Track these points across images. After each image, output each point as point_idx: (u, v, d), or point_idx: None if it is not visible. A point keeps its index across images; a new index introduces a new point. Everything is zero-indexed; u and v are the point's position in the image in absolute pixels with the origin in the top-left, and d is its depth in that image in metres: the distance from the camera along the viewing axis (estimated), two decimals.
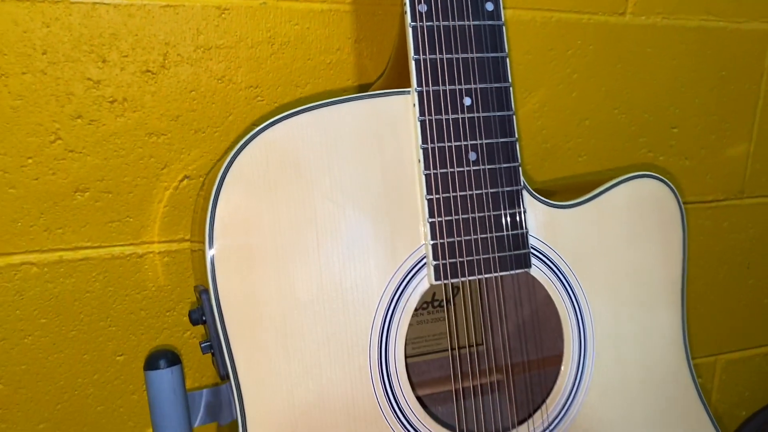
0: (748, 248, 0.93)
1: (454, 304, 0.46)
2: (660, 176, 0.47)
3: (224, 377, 0.40)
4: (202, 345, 0.43)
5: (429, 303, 0.50)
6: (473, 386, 0.43)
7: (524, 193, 0.42)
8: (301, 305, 0.38)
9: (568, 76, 0.76)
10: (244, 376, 0.37)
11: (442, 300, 0.47)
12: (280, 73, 0.64)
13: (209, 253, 0.37)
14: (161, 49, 0.60)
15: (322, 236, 0.39)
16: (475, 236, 0.41)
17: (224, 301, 0.37)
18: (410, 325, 0.41)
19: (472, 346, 0.44)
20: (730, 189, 0.89)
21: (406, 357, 0.40)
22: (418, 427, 0.40)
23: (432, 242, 0.40)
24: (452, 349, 0.43)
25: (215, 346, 0.40)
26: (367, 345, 0.39)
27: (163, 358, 0.50)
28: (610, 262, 0.45)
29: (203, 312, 0.41)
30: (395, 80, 0.42)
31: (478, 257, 0.41)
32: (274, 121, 0.38)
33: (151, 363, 0.50)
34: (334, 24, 0.65)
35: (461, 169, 0.40)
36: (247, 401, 0.38)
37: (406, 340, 0.40)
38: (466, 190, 0.40)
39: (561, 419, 0.43)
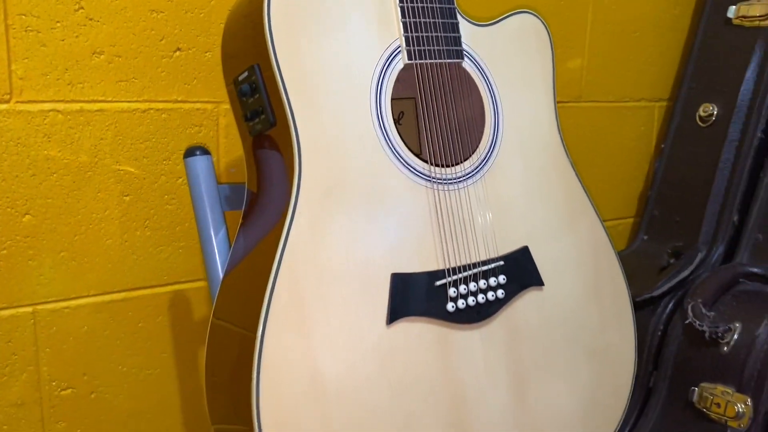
0: (588, 143, 1.23)
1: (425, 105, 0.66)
2: (537, 14, 0.72)
3: (273, 124, 0.59)
4: (249, 114, 0.61)
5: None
6: (435, 135, 0.64)
7: (456, 11, 0.65)
8: (326, 68, 0.58)
9: None
10: (298, 114, 0.56)
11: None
12: None
13: (268, 27, 0.55)
14: None
15: (335, 29, 0.59)
16: (430, 34, 0.62)
17: (282, 63, 0.56)
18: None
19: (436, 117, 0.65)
20: (571, 94, 1.19)
21: (391, 102, 0.60)
22: (398, 149, 0.61)
23: (404, 35, 0.61)
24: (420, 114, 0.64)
25: (266, 105, 0.58)
26: (367, 94, 0.59)
27: (198, 149, 0.67)
28: (508, 64, 0.69)
29: (253, 84, 0.59)
30: None
31: (431, 48, 0.62)
32: None
33: (189, 152, 0.67)
34: None
35: None
36: (300, 129, 0.56)
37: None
38: (423, 3, 0.62)
39: (486, 162, 0.66)
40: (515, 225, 0.67)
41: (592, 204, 0.73)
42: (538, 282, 0.67)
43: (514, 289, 0.65)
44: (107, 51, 0.76)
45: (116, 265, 0.81)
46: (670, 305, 1.07)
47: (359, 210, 0.59)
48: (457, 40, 0.64)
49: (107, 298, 0.81)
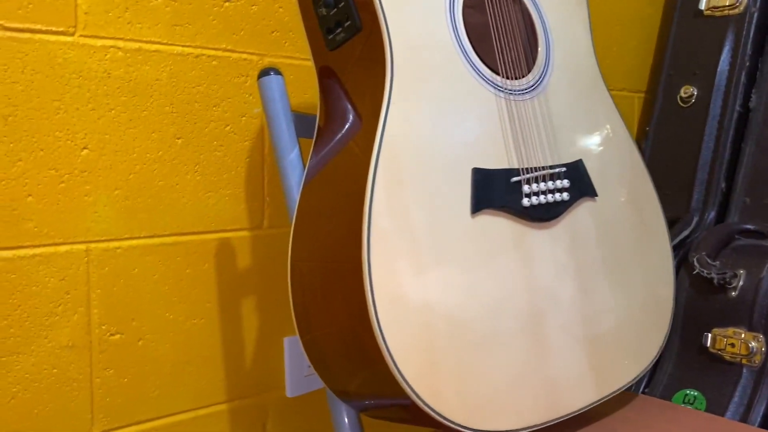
0: None
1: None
2: None
3: (360, 29, 0.62)
4: (333, 25, 0.64)
5: None
6: (501, 49, 0.69)
7: None
8: None
9: None
10: (389, 15, 0.61)
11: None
12: None
13: None
14: None
15: None
16: None
17: None
18: None
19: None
20: None
21: (463, 20, 0.65)
22: (471, 57, 0.65)
23: None
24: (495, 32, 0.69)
25: (352, 11, 0.62)
26: (443, 4, 0.65)
27: (272, 69, 0.70)
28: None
29: None
30: None
31: None
32: None
33: (264, 72, 0.69)
34: None
35: None
36: (391, 27, 0.61)
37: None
38: None
39: (542, 79, 0.71)
40: (570, 139, 0.72)
41: (627, 129, 0.79)
42: (593, 192, 0.72)
43: (575, 194, 0.70)
44: None
45: (166, 208, 0.81)
46: (674, 264, 1.14)
47: (441, 108, 0.63)
48: None
49: (157, 240, 0.80)
